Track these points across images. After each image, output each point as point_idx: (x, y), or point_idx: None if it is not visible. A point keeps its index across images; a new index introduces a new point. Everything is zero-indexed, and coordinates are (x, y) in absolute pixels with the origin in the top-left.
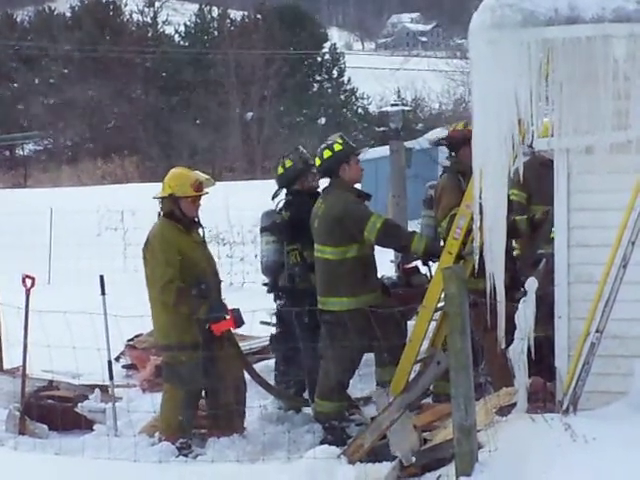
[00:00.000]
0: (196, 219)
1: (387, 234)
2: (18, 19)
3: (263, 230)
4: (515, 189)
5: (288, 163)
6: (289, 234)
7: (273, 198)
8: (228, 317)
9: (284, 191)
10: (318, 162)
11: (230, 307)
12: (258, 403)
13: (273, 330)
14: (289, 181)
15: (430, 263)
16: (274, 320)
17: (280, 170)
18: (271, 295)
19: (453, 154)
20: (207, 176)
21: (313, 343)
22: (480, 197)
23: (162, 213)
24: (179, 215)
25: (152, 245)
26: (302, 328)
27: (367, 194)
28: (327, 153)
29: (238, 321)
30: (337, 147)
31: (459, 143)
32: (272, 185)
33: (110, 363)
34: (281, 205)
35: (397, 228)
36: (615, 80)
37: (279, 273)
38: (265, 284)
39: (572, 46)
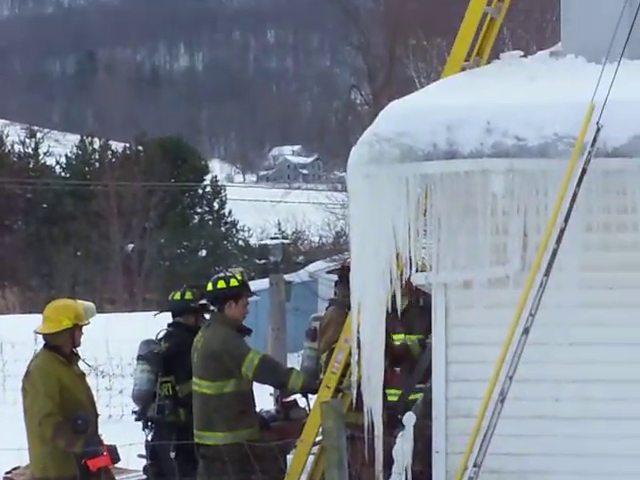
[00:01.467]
0: (76, 351)
1: (264, 371)
2: None
3: (139, 358)
4: None
5: (188, 295)
6: (164, 366)
7: (156, 315)
8: (104, 453)
9: (169, 316)
10: (209, 287)
11: (106, 442)
12: None
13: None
14: (178, 311)
15: (309, 396)
16: None
17: (177, 296)
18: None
19: (338, 286)
20: (90, 304)
21: (182, 476)
22: (358, 331)
23: (46, 345)
24: (67, 347)
25: (33, 376)
26: (168, 462)
27: (248, 329)
28: (221, 284)
29: (114, 457)
30: (233, 282)
31: None
32: (152, 317)
33: None
34: (161, 335)
35: (275, 365)
36: (494, 215)
37: (149, 403)
38: (134, 412)
39: (451, 181)
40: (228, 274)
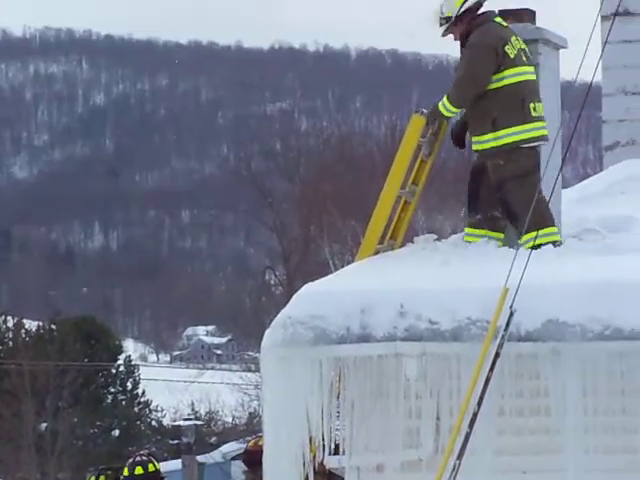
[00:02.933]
0: None
1: None
2: None
3: None
4: None
5: (101, 479)
6: None
7: None
8: None
9: None
10: (126, 473)
11: None
12: None
13: None
14: None
15: None
16: None
17: None
18: None
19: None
20: None
21: None
22: None
23: None
24: None
25: None
26: None
27: None
28: (139, 470)
29: None
30: (151, 467)
31: (258, 459)
32: None
33: None
34: None
35: None
36: (407, 398)
37: None
38: None
39: (364, 364)
40: (144, 459)
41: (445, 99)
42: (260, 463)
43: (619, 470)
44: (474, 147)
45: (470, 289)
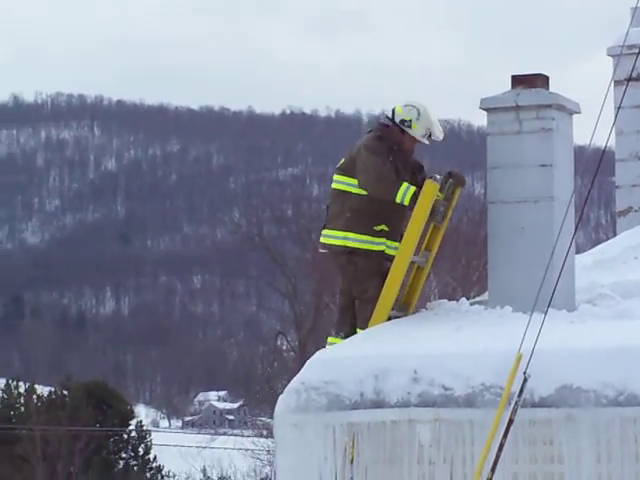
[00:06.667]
0: None
1: None
2: None
3: None
4: None
5: None
6: None
7: None
8: None
9: None
10: None
11: None
12: None
13: None
14: None
15: None
16: None
17: None
18: None
19: None
20: None
21: None
22: None
23: None
24: None
25: None
26: None
27: None
28: None
29: None
30: None
31: None
32: None
33: None
34: None
35: None
36: (420, 464)
37: None
38: None
39: (377, 430)
40: None
41: None
42: None
43: None
44: None
45: (483, 355)
